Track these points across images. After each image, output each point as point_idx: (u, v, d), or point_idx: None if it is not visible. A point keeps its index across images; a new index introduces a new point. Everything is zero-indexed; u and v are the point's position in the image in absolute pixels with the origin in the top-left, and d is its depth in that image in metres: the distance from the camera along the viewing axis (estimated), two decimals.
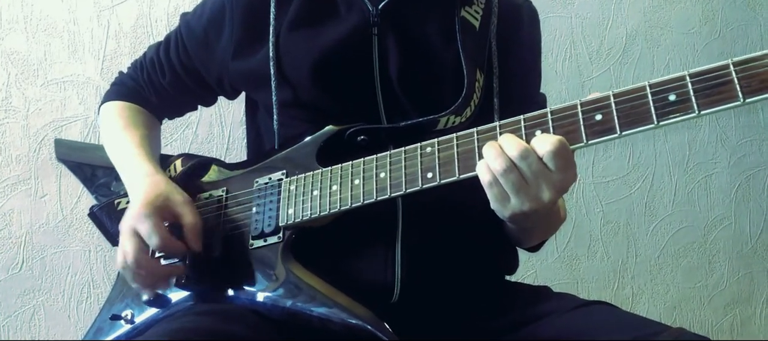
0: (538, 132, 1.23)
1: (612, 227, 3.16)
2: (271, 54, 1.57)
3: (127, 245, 1.46)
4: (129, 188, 1.60)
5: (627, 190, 3.17)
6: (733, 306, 3.32)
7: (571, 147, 1.21)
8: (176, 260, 1.51)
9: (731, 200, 3.30)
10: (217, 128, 2.71)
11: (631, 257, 3.18)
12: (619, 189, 3.16)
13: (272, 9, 1.59)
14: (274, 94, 1.57)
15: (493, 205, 1.27)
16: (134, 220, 1.46)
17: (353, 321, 1.36)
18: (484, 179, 1.24)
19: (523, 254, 1.71)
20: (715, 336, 3.26)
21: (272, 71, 1.57)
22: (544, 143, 1.19)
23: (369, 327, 1.36)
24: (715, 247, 3.29)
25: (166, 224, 1.48)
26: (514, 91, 1.63)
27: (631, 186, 3.17)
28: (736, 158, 3.29)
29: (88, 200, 2.37)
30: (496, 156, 1.22)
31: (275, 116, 1.59)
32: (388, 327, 1.37)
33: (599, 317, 1.45)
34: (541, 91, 1.76)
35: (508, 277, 1.70)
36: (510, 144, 1.21)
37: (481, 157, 1.26)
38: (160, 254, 1.54)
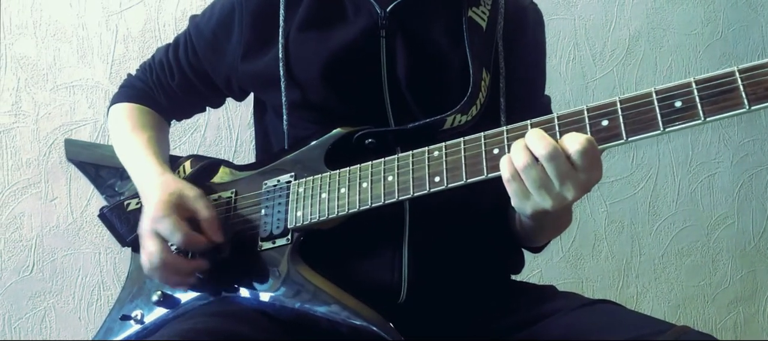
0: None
1: (616, 226, 3.16)
2: (280, 55, 1.57)
3: (150, 247, 1.47)
4: (140, 189, 1.61)
5: (631, 190, 3.18)
6: (736, 304, 3.32)
7: None
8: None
9: (734, 199, 3.30)
10: (225, 131, 2.72)
11: (635, 256, 3.19)
12: (623, 189, 3.16)
13: (281, 11, 1.60)
14: (283, 95, 1.58)
15: (513, 202, 1.25)
16: (153, 221, 1.47)
17: (359, 323, 1.37)
18: (505, 173, 1.22)
19: (528, 254, 1.72)
20: (719, 334, 3.27)
21: (281, 73, 1.57)
22: (574, 142, 1.17)
23: (375, 328, 1.36)
24: (718, 246, 3.29)
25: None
26: (519, 92, 1.64)
27: (634, 186, 3.18)
28: (738, 158, 3.29)
29: (97, 203, 2.40)
30: (520, 151, 1.20)
31: (285, 117, 1.59)
32: (394, 327, 1.38)
33: (604, 315, 1.45)
34: (546, 92, 1.77)
35: (513, 277, 1.70)
36: (538, 143, 1.19)
37: (488, 160, 1.26)
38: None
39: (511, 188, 1.24)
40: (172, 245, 1.49)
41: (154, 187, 1.54)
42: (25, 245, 2.59)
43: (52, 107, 2.60)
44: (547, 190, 1.21)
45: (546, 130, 1.22)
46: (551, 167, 1.18)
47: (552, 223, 1.55)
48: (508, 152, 1.23)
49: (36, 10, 2.60)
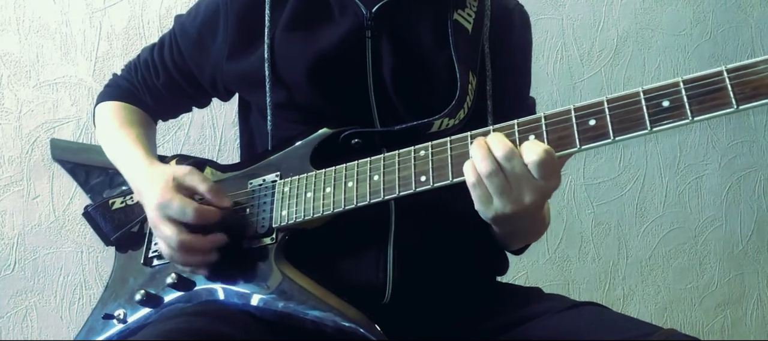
0: (531, 137, 1.23)
1: (603, 228, 3.16)
2: (265, 56, 1.57)
3: (165, 231, 1.45)
4: (132, 183, 1.60)
5: (618, 191, 3.18)
6: (723, 307, 3.33)
7: (565, 152, 1.21)
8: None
9: (722, 202, 3.31)
10: (209, 130, 2.71)
11: (622, 258, 3.19)
12: (610, 191, 3.16)
13: (267, 11, 1.59)
14: (268, 95, 1.57)
15: (476, 206, 1.28)
16: (160, 207, 1.45)
17: (344, 323, 1.36)
18: (470, 179, 1.24)
19: (513, 255, 1.71)
20: (706, 337, 3.27)
21: (267, 73, 1.56)
22: (531, 153, 1.19)
23: (360, 329, 1.36)
24: (706, 248, 3.30)
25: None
26: (505, 93, 1.63)
27: (622, 188, 3.18)
28: (726, 160, 3.30)
29: (80, 201, 2.38)
30: (482, 158, 1.22)
31: (270, 118, 1.58)
32: (378, 328, 1.37)
33: (590, 318, 1.45)
34: (532, 93, 1.76)
35: (499, 278, 1.70)
36: (497, 144, 1.21)
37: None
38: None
39: (475, 194, 1.26)
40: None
41: (148, 178, 1.53)
42: (7, 243, 2.57)
43: (34, 104, 2.58)
44: (507, 194, 1.23)
45: (533, 130, 1.23)
46: (508, 166, 1.21)
47: (521, 232, 1.57)
48: None
49: (19, 6, 2.58)
